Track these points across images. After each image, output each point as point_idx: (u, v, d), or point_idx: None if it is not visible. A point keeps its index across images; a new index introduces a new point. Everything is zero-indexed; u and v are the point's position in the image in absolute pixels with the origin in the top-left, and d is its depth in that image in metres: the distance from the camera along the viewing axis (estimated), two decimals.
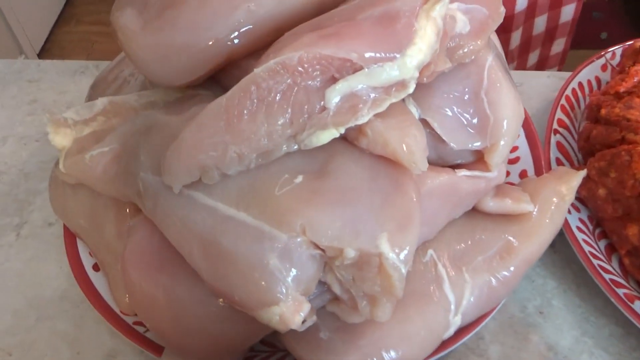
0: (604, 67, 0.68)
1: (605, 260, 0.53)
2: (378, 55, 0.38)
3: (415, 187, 0.40)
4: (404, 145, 0.39)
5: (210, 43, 0.43)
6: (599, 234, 0.56)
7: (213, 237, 0.39)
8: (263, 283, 0.37)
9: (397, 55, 0.38)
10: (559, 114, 0.63)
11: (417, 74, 0.39)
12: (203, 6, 0.42)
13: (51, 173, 0.55)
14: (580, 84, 0.66)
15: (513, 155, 0.59)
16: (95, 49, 2.19)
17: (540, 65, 1.13)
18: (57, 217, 0.55)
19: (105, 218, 0.50)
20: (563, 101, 0.64)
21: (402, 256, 0.38)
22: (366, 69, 0.38)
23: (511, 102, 0.47)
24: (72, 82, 0.76)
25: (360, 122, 0.39)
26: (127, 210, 0.49)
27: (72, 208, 0.52)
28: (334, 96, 0.38)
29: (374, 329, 0.42)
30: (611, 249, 0.55)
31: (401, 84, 0.39)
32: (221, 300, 0.41)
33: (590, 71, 0.67)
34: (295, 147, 0.40)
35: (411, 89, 0.39)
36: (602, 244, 0.55)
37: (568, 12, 1.06)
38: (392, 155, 0.39)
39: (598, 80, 0.67)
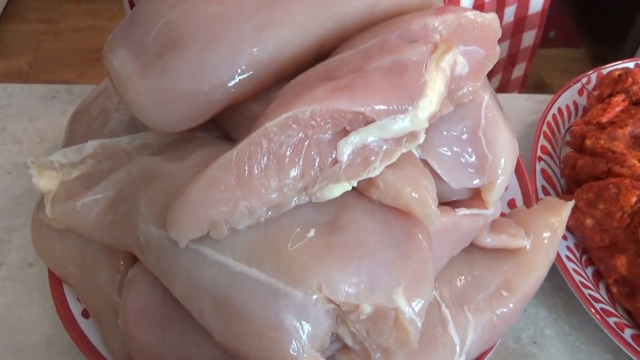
0: (580, 92, 0.70)
1: (594, 288, 0.55)
2: (390, 107, 0.38)
3: (427, 237, 0.40)
4: (416, 196, 0.39)
5: (214, 89, 0.42)
6: (585, 260, 0.58)
7: (225, 294, 0.38)
8: (279, 342, 0.36)
9: (409, 108, 0.38)
10: (542, 141, 0.64)
11: (427, 125, 0.39)
12: (207, 50, 0.41)
13: (33, 215, 0.53)
14: (559, 110, 0.68)
15: None
16: (42, 48, 2.12)
17: (501, 89, 1.16)
18: (41, 260, 0.53)
19: (97, 265, 0.48)
20: (545, 128, 0.65)
21: (417, 309, 0.38)
22: (378, 122, 0.38)
23: (508, 140, 0.48)
24: (42, 108, 0.73)
25: (372, 174, 0.38)
26: (121, 258, 0.48)
27: (60, 254, 0.50)
28: (346, 149, 0.38)
29: None
30: (598, 276, 0.57)
31: (412, 135, 0.39)
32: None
33: (568, 96, 0.69)
34: (306, 199, 0.39)
35: (421, 139, 0.39)
36: (589, 271, 0.57)
37: (529, 38, 1.09)
38: (405, 207, 0.39)
39: (575, 105, 0.69)
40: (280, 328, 0.37)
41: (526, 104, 0.74)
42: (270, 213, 0.39)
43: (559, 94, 0.68)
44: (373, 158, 0.38)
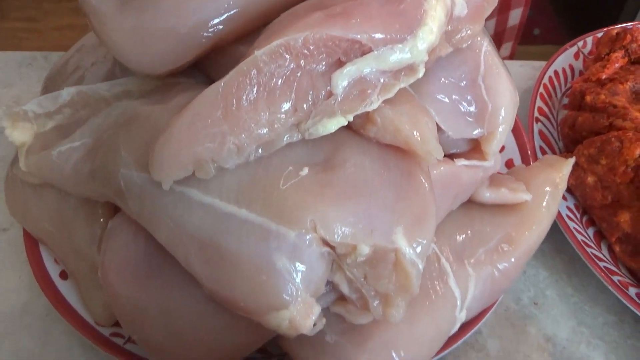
0: (576, 55, 0.68)
1: (596, 248, 0.53)
2: (388, 36, 0.35)
3: (428, 177, 0.38)
4: (416, 133, 0.37)
5: (197, 27, 0.39)
6: (586, 221, 0.56)
7: (212, 237, 0.35)
8: (271, 286, 0.34)
9: (408, 37, 0.36)
10: (539, 102, 0.62)
11: (427, 57, 0.37)
12: None
13: (7, 172, 0.50)
14: (555, 72, 0.66)
15: None
16: (24, 46, 2.07)
17: None
18: (15, 221, 0.50)
19: (74, 221, 0.45)
20: (541, 89, 0.64)
21: (418, 250, 0.35)
22: (375, 52, 0.35)
23: (508, 88, 0.46)
24: (17, 75, 0.70)
25: (369, 108, 0.36)
26: (100, 212, 0.45)
27: (35, 211, 0.47)
28: (342, 80, 0.35)
29: (382, 329, 0.40)
30: (599, 237, 0.55)
31: (410, 68, 0.37)
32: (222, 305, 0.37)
33: (564, 59, 0.67)
34: (299, 136, 0.36)
35: (421, 73, 0.37)
36: (590, 231, 0.55)
37: (515, 16, 1.08)
38: (404, 144, 0.37)
39: (572, 68, 0.68)
40: (272, 271, 0.34)
41: (521, 70, 0.73)
42: (260, 151, 0.36)
43: (554, 57, 0.67)
44: (370, 91, 0.36)
